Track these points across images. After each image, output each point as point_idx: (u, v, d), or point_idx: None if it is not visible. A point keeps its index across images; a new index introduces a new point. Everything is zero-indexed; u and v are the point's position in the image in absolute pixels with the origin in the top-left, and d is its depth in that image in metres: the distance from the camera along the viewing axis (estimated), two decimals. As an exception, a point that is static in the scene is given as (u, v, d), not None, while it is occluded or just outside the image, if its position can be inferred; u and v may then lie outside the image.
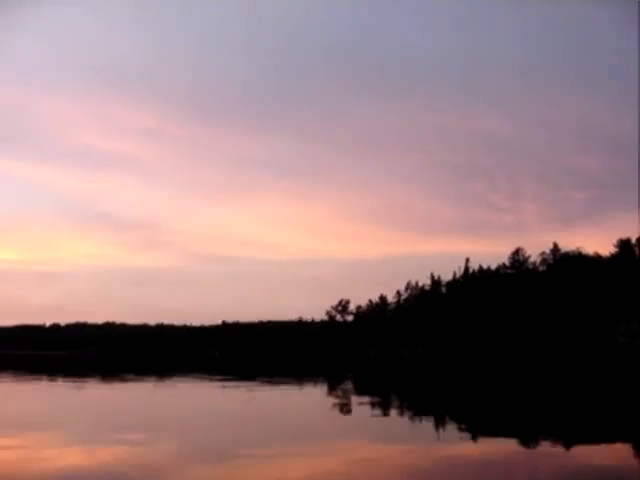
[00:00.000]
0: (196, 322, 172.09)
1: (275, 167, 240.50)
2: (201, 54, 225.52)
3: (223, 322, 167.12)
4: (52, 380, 39.77)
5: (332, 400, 24.18)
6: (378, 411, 19.96)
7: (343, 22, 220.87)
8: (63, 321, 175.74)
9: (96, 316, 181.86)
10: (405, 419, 17.80)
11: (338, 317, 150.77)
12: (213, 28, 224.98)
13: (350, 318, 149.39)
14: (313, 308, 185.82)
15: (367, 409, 20.15)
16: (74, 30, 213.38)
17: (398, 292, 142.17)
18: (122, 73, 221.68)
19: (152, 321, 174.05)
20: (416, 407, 21.73)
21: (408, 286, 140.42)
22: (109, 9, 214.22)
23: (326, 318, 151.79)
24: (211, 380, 38.47)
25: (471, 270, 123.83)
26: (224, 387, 32.17)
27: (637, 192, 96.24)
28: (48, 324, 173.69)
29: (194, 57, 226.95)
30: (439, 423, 16.66)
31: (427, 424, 16.55)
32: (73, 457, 11.39)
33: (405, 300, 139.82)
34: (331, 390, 31.62)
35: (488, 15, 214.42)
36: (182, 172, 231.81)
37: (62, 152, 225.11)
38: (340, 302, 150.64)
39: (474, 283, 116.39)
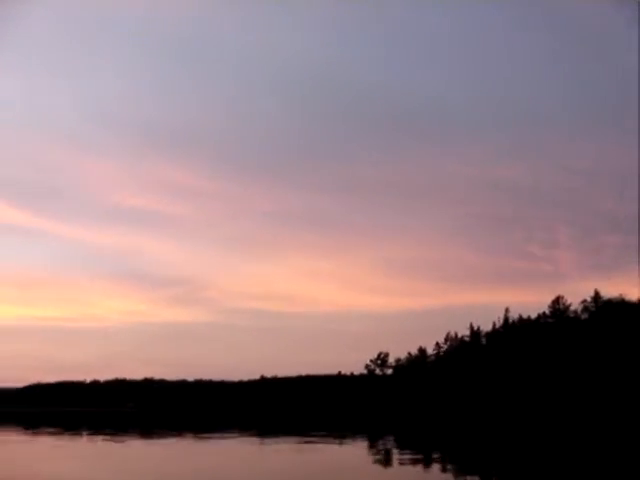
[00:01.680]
0: (234, 377, 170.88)
1: (308, 221, 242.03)
2: (231, 110, 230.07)
3: (261, 377, 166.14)
4: (92, 437, 39.75)
5: (374, 457, 23.72)
6: (421, 468, 19.52)
7: (371, 71, 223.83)
8: (102, 378, 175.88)
9: (135, 373, 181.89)
10: (448, 476, 17.34)
11: (377, 371, 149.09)
12: (243, 84, 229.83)
13: (389, 371, 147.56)
14: (351, 362, 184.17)
15: (409, 466, 19.71)
16: (105, 88, 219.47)
17: (437, 344, 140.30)
18: (154, 131, 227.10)
19: (190, 377, 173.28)
20: (460, 463, 21.19)
21: (447, 337, 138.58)
22: (137, 66, 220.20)
23: (365, 372, 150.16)
24: (250, 436, 38.11)
25: (511, 320, 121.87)
26: (263, 444, 31.81)
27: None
28: (88, 380, 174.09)
29: (224, 113, 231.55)
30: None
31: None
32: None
33: (445, 352, 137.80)
34: (372, 446, 31.05)
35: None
36: (216, 228, 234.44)
37: (98, 210, 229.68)
38: (379, 355, 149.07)
39: (515, 333, 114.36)
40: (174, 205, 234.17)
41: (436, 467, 19.89)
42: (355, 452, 26.82)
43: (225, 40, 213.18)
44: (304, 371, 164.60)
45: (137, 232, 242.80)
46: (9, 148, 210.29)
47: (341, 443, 32.15)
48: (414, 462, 20.90)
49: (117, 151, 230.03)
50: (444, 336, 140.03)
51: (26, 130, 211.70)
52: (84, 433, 44.11)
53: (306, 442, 32.16)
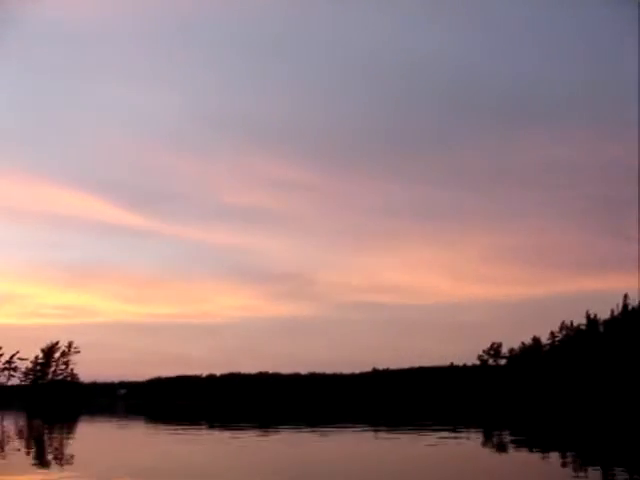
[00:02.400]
0: (347, 370, 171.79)
1: (415, 212, 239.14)
2: (332, 104, 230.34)
3: (374, 369, 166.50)
4: (212, 429, 41.08)
5: (491, 449, 23.41)
6: (540, 461, 19.10)
7: (464, 55, 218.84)
8: (218, 372, 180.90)
9: (249, 367, 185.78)
10: (568, 470, 16.91)
11: (490, 361, 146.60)
12: (341, 77, 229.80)
13: (503, 362, 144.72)
14: (464, 353, 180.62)
15: (528, 459, 19.35)
16: (207, 89, 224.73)
17: (552, 333, 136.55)
18: (257, 128, 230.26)
19: (303, 370, 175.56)
20: (580, 456, 20.60)
21: (562, 326, 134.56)
22: (236, 65, 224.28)
23: (478, 362, 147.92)
24: (364, 428, 38.39)
25: (630, 307, 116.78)
26: (378, 437, 31.96)
27: None
28: (205, 374, 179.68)
29: (325, 107, 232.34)
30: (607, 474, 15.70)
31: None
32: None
33: (560, 341, 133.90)
34: (487, 438, 30.63)
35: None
36: (322, 222, 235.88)
37: (207, 210, 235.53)
38: (492, 345, 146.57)
39: (635, 320, 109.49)
40: (281, 201, 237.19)
41: (555, 460, 19.42)
42: (471, 444, 26.55)
43: (320, 34, 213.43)
44: (416, 363, 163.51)
45: (245, 229, 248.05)
46: (118, 154, 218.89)
47: (455, 437, 31.86)
48: (532, 455, 20.50)
49: (222, 150, 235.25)
50: (558, 325, 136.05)
51: (133, 135, 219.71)
52: (204, 426, 45.66)
53: (420, 434, 32.08)
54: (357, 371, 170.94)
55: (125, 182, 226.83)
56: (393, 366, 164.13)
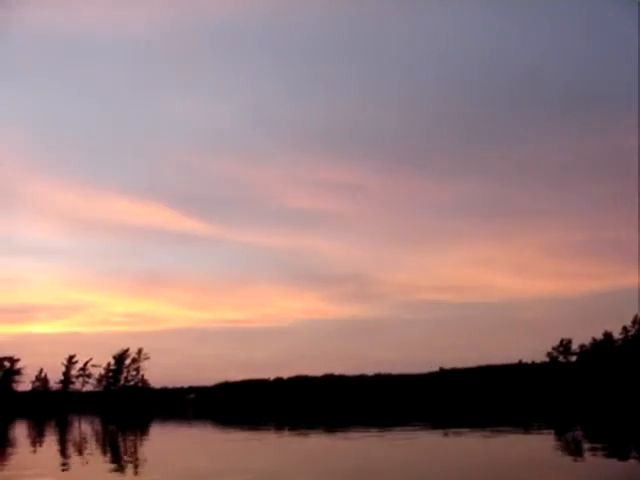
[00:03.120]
0: (413, 370, 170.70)
1: (474, 210, 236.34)
2: (387, 103, 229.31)
3: (440, 369, 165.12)
4: (281, 432, 41.49)
5: (565, 449, 22.99)
6: (616, 461, 18.69)
7: (530, 49, 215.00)
8: (285, 375, 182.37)
9: (315, 369, 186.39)
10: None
11: (560, 358, 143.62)
12: (397, 73, 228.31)
13: (573, 358, 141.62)
14: (532, 350, 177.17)
15: (603, 459, 18.94)
16: (261, 93, 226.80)
17: (625, 327, 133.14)
18: (313, 131, 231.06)
19: (369, 371, 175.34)
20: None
21: (635, 320, 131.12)
22: (290, 68, 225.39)
23: (547, 359, 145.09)
24: (432, 428, 38.16)
25: None
26: (447, 436, 31.74)
27: None
28: (272, 378, 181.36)
29: (380, 107, 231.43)
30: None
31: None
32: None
33: (633, 335, 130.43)
34: (560, 437, 30.06)
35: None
36: (383, 223, 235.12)
37: (266, 215, 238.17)
38: (561, 342, 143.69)
39: None
40: (340, 203, 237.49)
41: (633, 460, 18.97)
42: (544, 444, 26.11)
43: (373, 33, 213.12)
44: (483, 361, 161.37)
45: (305, 233, 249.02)
46: (180, 164, 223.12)
47: (526, 433, 31.37)
48: (607, 455, 20.05)
49: (280, 155, 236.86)
50: (630, 319, 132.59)
51: (193, 145, 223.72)
52: (272, 428, 46.11)
53: (489, 434, 31.71)
54: (424, 371, 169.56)
55: (186, 190, 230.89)
56: (460, 365, 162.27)
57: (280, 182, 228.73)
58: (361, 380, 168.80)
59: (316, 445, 29.32)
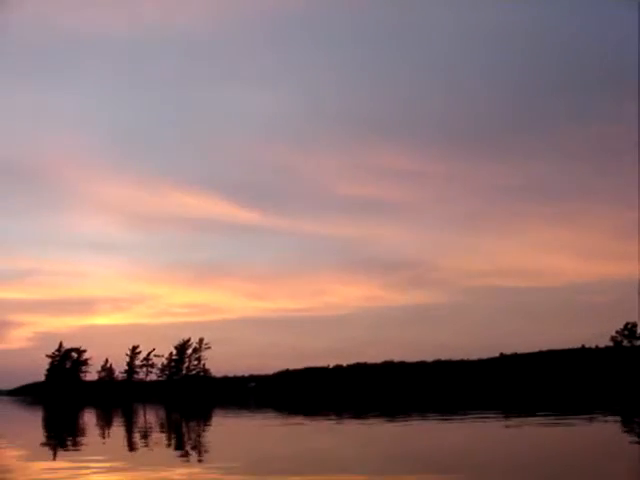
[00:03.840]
0: (473, 356, 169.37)
1: (536, 192, 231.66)
2: (446, 88, 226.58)
3: (501, 354, 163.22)
4: (340, 419, 41.74)
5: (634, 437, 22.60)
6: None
7: (579, 33, 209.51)
8: (345, 362, 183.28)
9: (375, 356, 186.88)
10: None
11: (625, 342, 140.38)
12: (457, 59, 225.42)
13: (639, 342, 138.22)
14: (595, 334, 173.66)
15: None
16: (318, 81, 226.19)
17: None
18: (371, 118, 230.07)
19: (429, 357, 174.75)
20: None
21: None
22: (347, 56, 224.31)
23: (611, 344, 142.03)
24: (494, 415, 37.93)
25: None
26: (509, 424, 31.51)
27: None
28: (332, 365, 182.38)
29: (439, 93, 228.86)
30: None
31: None
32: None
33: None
34: (628, 424, 29.54)
35: None
36: (441, 208, 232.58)
37: (325, 204, 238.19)
38: (626, 325, 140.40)
39: None
40: (397, 190, 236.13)
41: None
42: (613, 431, 25.74)
43: (428, 17, 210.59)
44: (545, 346, 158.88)
45: (363, 220, 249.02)
46: (238, 156, 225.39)
47: (591, 420, 30.91)
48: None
49: (336, 143, 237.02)
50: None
51: (250, 135, 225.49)
52: (333, 416, 46.43)
53: (553, 422, 31.37)
54: (484, 357, 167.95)
55: (244, 181, 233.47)
56: (521, 350, 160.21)
57: (337, 170, 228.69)
58: (421, 366, 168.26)
59: (379, 432, 29.49)
